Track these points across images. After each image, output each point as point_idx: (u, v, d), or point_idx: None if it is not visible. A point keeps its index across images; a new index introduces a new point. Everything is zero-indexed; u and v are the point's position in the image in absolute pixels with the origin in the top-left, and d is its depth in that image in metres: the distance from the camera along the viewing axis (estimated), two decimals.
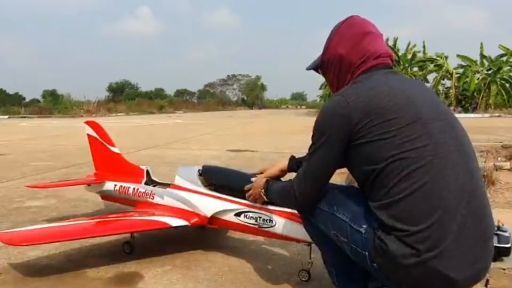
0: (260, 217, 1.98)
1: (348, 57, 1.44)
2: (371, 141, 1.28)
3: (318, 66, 1.58)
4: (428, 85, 28.48)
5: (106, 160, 2.87)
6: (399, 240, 1.22)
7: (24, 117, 27.09)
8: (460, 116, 18.80)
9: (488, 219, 1.33)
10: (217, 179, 2.23)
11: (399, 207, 1.23)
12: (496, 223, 1.91)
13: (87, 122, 3.00)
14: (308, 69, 1.63)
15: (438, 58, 27.81)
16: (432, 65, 27.98)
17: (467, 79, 26.43)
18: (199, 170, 2.31)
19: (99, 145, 2.89)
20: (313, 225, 1.56)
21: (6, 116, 27.34)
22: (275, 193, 1.70)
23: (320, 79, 35.74)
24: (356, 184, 1.47)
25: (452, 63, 27.97)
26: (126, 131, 13.21)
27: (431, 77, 28.70)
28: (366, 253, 1.32)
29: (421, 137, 1.26)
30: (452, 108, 25.18)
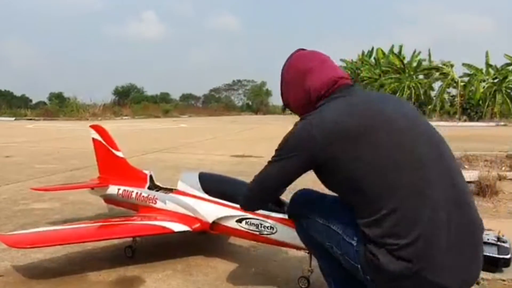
0: (261, 224, 1.99)
1: (301, 100, 1.52)
2: (343, 162, 1.30)
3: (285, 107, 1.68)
4: (433, 93, 28.42)
5: (110, 164, 2.89)
6: (390, 254, 1.23)
7: (31, 119, 27.28)
8: (465, 125, 18.72)
9: (476, 225, 1.32)
10: (213, 187, 2.25)
11: (386, 223, 1.24)
12: (496, 234, 1.92)
13: (92, 126, 3.03)
14: (283, 109, 1.73)
15: (443, 66, 27.76)
16: (437, 73, 27.93)
17: (473, 88, 26.34)
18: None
19: (104, 149, 2.92)
20: (309, 236, 1.58)
21: (13, 118, 27.57)
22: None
23: None
24: None
25: (458, 72, 27.92)
26: (131, 134, 13.29)
27: (436, 85, 28.65)
28: (359, 265, 1.33)
29: (395, 150, 1.27)
30: (457, 116, 25.09)
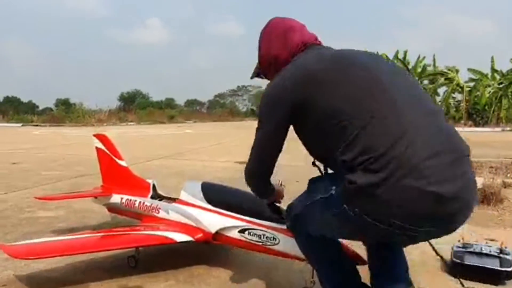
0: (264, 235, 2.00)
1: (280, 55, 1.55)
2: (317, 101, 1.36)
3: (259, 73, 1.72)
4: (438, 98, 28.29)
5: (114, 173, 2.92)
6: (366, 171, 1.23)
7: (37, 125, 27.50)
8: (471, 130, 18.60)
9: (457, 138, 1.33)
10: (215, 197, 2.26)
11: (361, 141, 1.26)
12: (498, 246, 1.91)
13: (95, 135, 3.06)
14: (252, 78, 1.76)
15: (448, 72, 27.65)
16: (442, 79, 27.82)
17: (478, 93, 26.20)
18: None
19: (107, 158, 2.95)
20: (306, 240, 1.61)
21: (20, 124, 27.80)
22: None
23: None
24: None
25: (463, 77, 27.81)
26: (137, 141, 13.35)
27: (441, 90, 28.52)
28: (344, 206, 1.31)
29: (365, 81, 1.34)
30: (462, 122, 24.93)
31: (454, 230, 1.34)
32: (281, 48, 1.54)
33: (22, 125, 27.16)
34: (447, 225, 1.30)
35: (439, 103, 27.96)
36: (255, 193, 1.73)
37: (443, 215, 1.23)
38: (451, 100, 27.97)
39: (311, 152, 1.54)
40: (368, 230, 1.33)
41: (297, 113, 1.41)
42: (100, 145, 3.00)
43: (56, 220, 3.35)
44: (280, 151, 1.54)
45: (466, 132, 19.37)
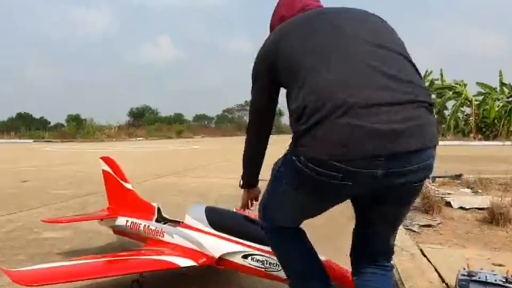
0: (267, 261, 2.01)
1: (287, 15, 1.58)
2: (287, 52, 1.39)
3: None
4: (446, 112, 28.13)
5: (119, 196, 2.95)
6: (307, 116, 1.22)
7: (48, 141, 27.88)
8: (480, 144, 18.38)
9: (413, 85, 1.26)
10: (219, 222, 2.27)
11: (305, 88, 1.27)
12: (504, 274, 1.87)
13: (102, 158, 3.10)
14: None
15: (456, 86, 27.56)
16: (450, 93, 27.72)
17: (487, 107, 26.01)
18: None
19: (113, 181, 2.99)
20: (275, 237, 1.67)
21: (31, 140, 28.23)
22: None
23: None
24: None
25: (472, 91, 27.67)
26: (144, 156, 13.46)
27: (450, 104, 28.38)
28: (292, 157, 1.32)
29: (327, 39, 1.33)
30: (472, 135, 24.72)
31: (405, 177, 1.24)
32: (287, 12, 1.60)
33: (34, 141, 27.57)
34: (396, 167, 1.20)
35: (448, 117, 27.80)
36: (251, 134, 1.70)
37: (388, 153, 1.16)
38: (459, 114, 27.82)
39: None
40: (320, 187, 1.28)
41: (274, 68, 1.46)
42: (107, 168, 3.04)
43: (62, 241, 3.38)
44: (273, 102, 1.59)
45: (475, 146, 19.20)
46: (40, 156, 14.12)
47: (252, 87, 1.59)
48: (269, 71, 1.49)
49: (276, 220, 1.61)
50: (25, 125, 39.90)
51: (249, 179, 1.81)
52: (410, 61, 1.34)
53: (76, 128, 33.18)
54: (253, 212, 2.06)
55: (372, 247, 1.56)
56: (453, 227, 3.54)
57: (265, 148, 1.70)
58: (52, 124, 50.95)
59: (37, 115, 55.90)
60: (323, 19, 1.41)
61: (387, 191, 1.31)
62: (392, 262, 1.63)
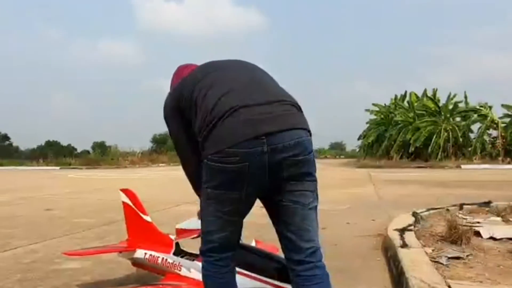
0: None
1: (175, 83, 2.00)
2: (184, 93, 1.76)
3: None
4: (472, 135, 27.43)
5: (138, 228, 2.95)
6: (206, 124, 1.59)
7: (74, 168, 28.59)
8: (509, 168, 17.65)
9: (276, 92, 1.72)
10: (237, 257, 2.22)
11: (203, 105, 1.64)
12: None
13: (122, 190, 3.13)
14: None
15: (481, 108, 26.98)
16: (475, 115, 27.14)
17: None
18: None
19: (133, 213, 3.00)
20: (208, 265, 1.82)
21: (58, 167, 29.00)
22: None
23: (359, 129, 35.31)
24: None
25: (498, 113, 26.99)
26: (166, 183, 13.57)
27: (475, 127, 27.70)
28: (204, 160, 1.63)
29: (212, 77, 1.74)
30: (500, 158, 23.92)
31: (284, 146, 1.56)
32: (177, 79, 2.00)
33: (60, 168, 28.30)
34: (276, 143, 1.54)
35: (474, 140, 27.11)
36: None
37: (265, 133, 1.52)
38: (486, 137, 27.06)
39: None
40: (228, 173, 1.56)
41: (181, 109, 1.78)
42: (127, 200, 3.06)
43: (81, 272, 3.38)
44: (193, 145, 1.78)
45: (504, 169, 18.45)
46: (64, 184, 14.43)
47: (168, 128, 1.92)
48: (180, 114, 1.82)
49: (213, 235, 1.73)
50: (53, 152, 41.12)
51: (197, 192, 1.93)
52: (276, 83, 1.81)
53: (101, 155, 33.96)
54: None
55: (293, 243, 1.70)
56: (483, 260, 3.35)
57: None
58: (78, 151, 52.36)
59: (64, 143, 57.73)
60: (210, 66, 1.84)
61: (279, 167, 1.58)
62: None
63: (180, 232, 2.52)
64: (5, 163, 34.26)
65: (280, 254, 1.87)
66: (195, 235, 2.30)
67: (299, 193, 1.65)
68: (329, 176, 15.13)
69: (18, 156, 49.22)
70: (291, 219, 1.67)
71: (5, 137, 58.80)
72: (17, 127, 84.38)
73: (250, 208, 1.74)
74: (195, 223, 2.39)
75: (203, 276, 1.83)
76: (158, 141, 56.73)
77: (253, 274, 2.09)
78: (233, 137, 1.53)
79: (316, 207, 1.73)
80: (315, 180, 1.71)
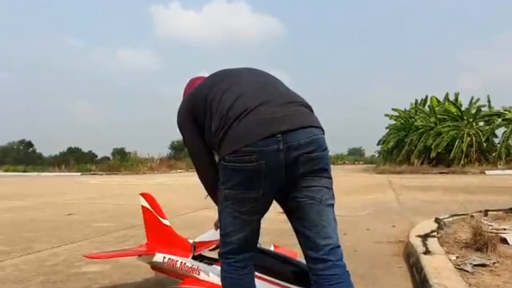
0: None
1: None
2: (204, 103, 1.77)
3: None
4: (496, 140, 26.66)
5: (157, 232, 2.96)
6: (223, 125, 1.63)
7: (95, 173, 29.11)
8: None
9: (289, 95, 1.76)
10: (256, 261, 2.19)
11: (218, 108, 1.68)
12: None
13: (141, 194, 3.15)
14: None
15: (505, 112, 26.20)
16: (499, 119, 26.37)
17: None
18: None
19: (152, 217, 3.01)
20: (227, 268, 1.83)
21: (79, 173, 29.58)
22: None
23: (378, 134, 34.81)
24: None
25: None
26: (184, 189, 13.63)
27: (499, 131, 26.90)
28: (221, 162, 1.65)
29: (226, 82, 1.77)
30: None
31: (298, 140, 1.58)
32: (190, 90, 2.02)
33: (81, 174, 28.86)
34: (291, 141, 1.57)
35: (498, 145, 26.35)
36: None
37: (281, 131, 1.55)
38: (511, 142, 26.24)
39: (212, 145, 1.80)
40: (245, 172, 1.58)
41: (195, 115, 1.81)
42: (146, 204, 3.08)
43: (101, 275, 3.42)
44: (207, 150, 1.83)
45: None
46: (85, 189, 14.69)
47: (185, 141, 1.93)
48: (193, 121, 1.85)
49: (232, 236, 1.74)
50: (75, 159, 42.00)
51: (214, 197, 1.93)
52: (287, 87, 1.84)
53: (121, 161, 34.48)
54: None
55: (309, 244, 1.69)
56: (510, 267, 3.23)
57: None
58: (99, 157, 53.35)
59: (86, 149, 58.95)
60: (223, 74, 1.88)
61: (295, 164, 1.59)
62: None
63: (199, 246, 2.52)
64: (29, 169, 35.21)
65: (300, 259, 1.84)
66: (213, 246, 2.31)
67: (316, 188, 1.65)
68: (348, 182, 14.90)
69: (41, 162, 50.53)
70: (306, 215, 1.66)
71: (29, 144, 60.48)
72: (40, 134, 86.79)
73: (268, 207, 1.74)
74: (212, 235, 2.39)
75: (222, 278, 1.82)
76: (176, 148, 57.30)
77: (271, 279, 2.06)
78: (249, 136, 1.55)
79: (333, 205, 1.71)
80: (331, 178, 1.71)
